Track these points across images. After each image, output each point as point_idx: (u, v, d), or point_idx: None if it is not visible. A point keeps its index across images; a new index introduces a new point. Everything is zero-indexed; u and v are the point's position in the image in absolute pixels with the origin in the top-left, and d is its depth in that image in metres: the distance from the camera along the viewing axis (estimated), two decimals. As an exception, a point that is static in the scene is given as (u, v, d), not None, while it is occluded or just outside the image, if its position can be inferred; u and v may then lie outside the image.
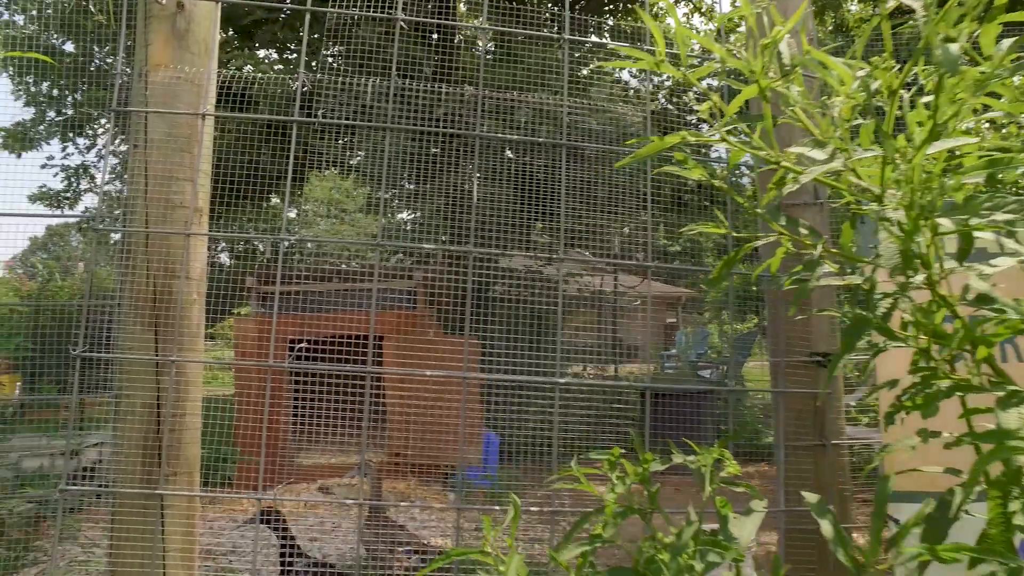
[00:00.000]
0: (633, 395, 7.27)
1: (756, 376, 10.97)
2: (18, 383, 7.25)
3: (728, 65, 0.97)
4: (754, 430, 9.57)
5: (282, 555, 3.32)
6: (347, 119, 5.69)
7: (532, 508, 5.07)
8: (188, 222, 1.65)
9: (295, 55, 9.50)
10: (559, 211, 6.69)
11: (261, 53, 9.71)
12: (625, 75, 11.27)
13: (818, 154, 0.79)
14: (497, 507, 5.26)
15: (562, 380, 1.53)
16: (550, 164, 6.23)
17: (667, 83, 11.35)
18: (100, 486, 1.57)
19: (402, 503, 4.89)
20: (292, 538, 3.36)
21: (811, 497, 0.84)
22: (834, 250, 1.03)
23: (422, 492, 5.51)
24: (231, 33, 9.22)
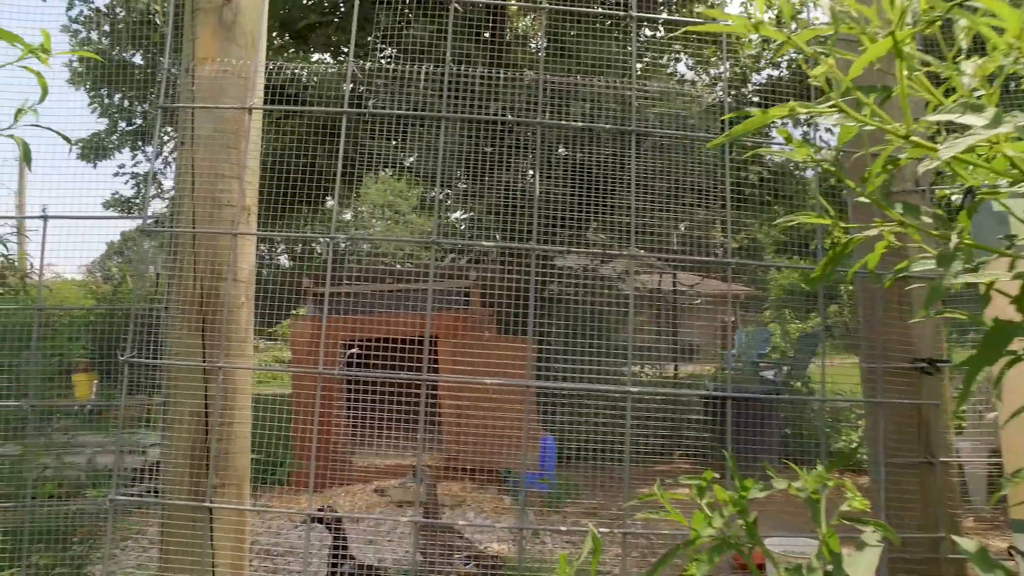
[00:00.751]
0: (692, 398, 7.00)
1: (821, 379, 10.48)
2: (95, 382, 7.53)
3: (841, 29, 0.82)
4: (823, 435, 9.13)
5: (333, 557, 3.30)
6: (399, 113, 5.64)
7: (593, 519, 4.92)
8: (235, 221, 1.58)
9: (344, 58, 9.56)
10: (618, 207, 6.50)
11: (315, 57, 9.82)
12: (681, 67, 10.97)
13: (974, 119, 0.63)
14: (556, 514, 5.14)
15: (635, 389, 1.39)
16: (609, 158, 6.06)
17: (724, 75, 11.00)
18: (154, 490, 1.51)
19: (463, 522, 4.81)
20: (344, 540, 3.33)
21: (967, 544, 0.68)
22: (968, 242, 0.87)
23: (478, 496, 5.42)
24: (287, 38, 9.36)
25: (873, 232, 0.96)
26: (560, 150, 8.02)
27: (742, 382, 9.18)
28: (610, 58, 6.89)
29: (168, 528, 1.50)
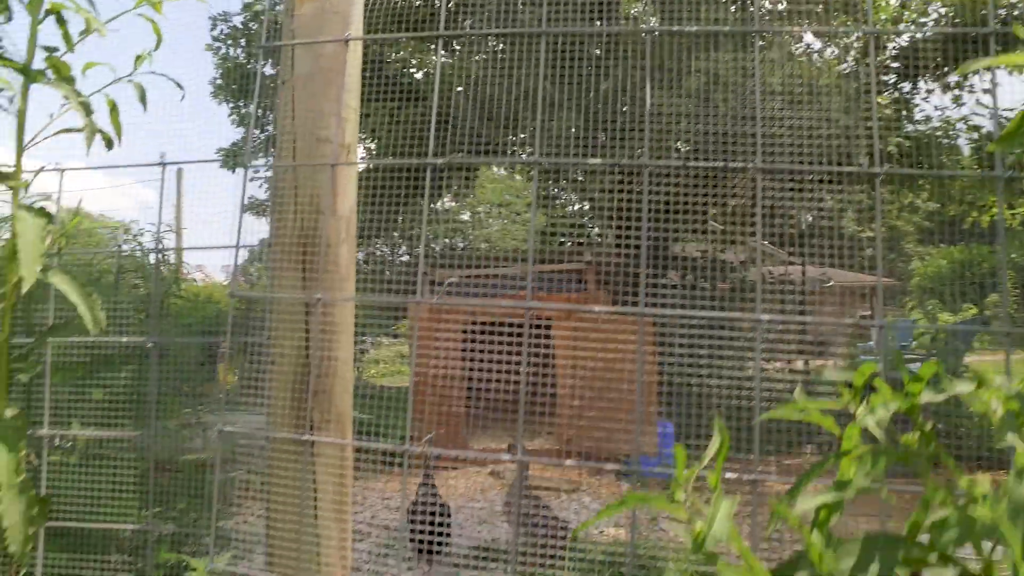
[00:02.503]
0: (823, 387, 6.47)
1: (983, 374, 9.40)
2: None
3: None
4: (978, 434, 8.16)
5: (423, 486, 3.43)
6: (508, 103, 5.62)
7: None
8: (335, 156, 1.55)
9: (460, 46, 9.71)
10: (736, 190, 6.13)
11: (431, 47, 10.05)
12: (808, 37, 10.29)
13: None
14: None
15: (765, 316, 1.21)
16: (728, 132, 5.72)
17: (856, 44, 10.18)
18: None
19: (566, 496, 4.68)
20: (434, 484, 3.46)
21: None
22: None
23: (594, 481, 5.27)
24: (404, 30, 9.64)
25: None
26: (678, 145, 7.71)
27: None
28: (727, 22, 6.53)
29: (273, 463, 1.49)
